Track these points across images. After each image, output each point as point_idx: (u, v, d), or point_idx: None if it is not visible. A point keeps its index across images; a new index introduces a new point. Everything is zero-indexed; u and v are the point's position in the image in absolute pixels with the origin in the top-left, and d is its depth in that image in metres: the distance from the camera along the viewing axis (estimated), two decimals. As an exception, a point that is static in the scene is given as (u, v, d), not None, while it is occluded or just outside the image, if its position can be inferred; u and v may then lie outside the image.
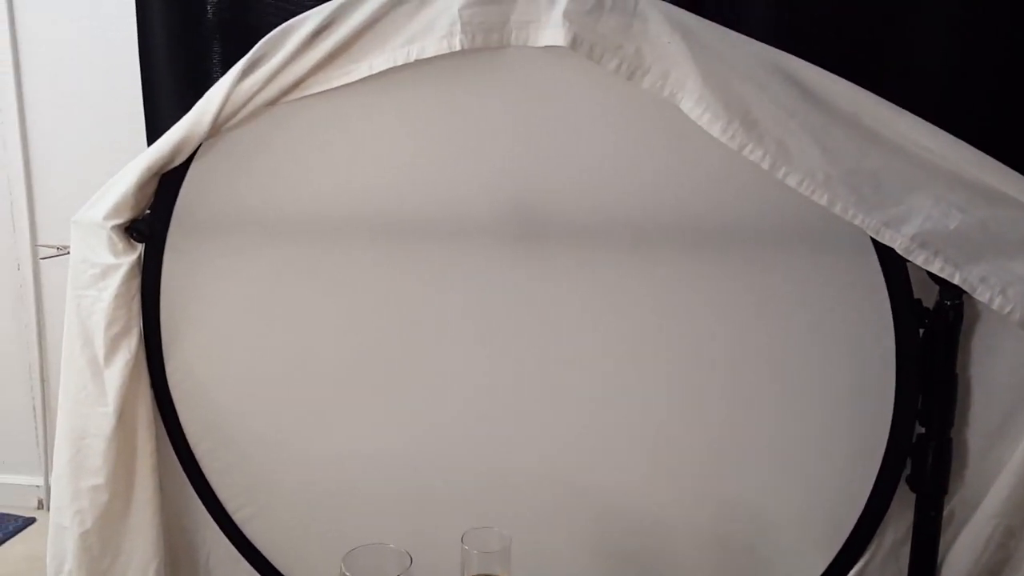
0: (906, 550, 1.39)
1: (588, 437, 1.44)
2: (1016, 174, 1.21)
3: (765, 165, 1.21)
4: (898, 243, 1.20)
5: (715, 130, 1.22)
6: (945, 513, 1.38)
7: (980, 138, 1.25)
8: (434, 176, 1.35)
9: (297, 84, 1.29)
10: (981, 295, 1.20)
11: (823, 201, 1.21)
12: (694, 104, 1.22)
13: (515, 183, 1.36)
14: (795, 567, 1.40)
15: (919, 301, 1.30)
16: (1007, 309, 1.19)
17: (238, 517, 1.60)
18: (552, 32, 1.23)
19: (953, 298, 1.27)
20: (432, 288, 1.43)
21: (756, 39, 1.30)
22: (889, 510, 1.36)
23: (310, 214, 1.39)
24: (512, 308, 1.42)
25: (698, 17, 1.29)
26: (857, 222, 1.21)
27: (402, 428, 1.50)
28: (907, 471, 1.35)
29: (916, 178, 1.21)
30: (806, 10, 1.58)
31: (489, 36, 1.25)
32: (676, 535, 1.44)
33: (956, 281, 1.20)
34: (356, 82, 1.29)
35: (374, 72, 1.28)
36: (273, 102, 1.31)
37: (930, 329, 1.31)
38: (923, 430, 1.33)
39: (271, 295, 1.44)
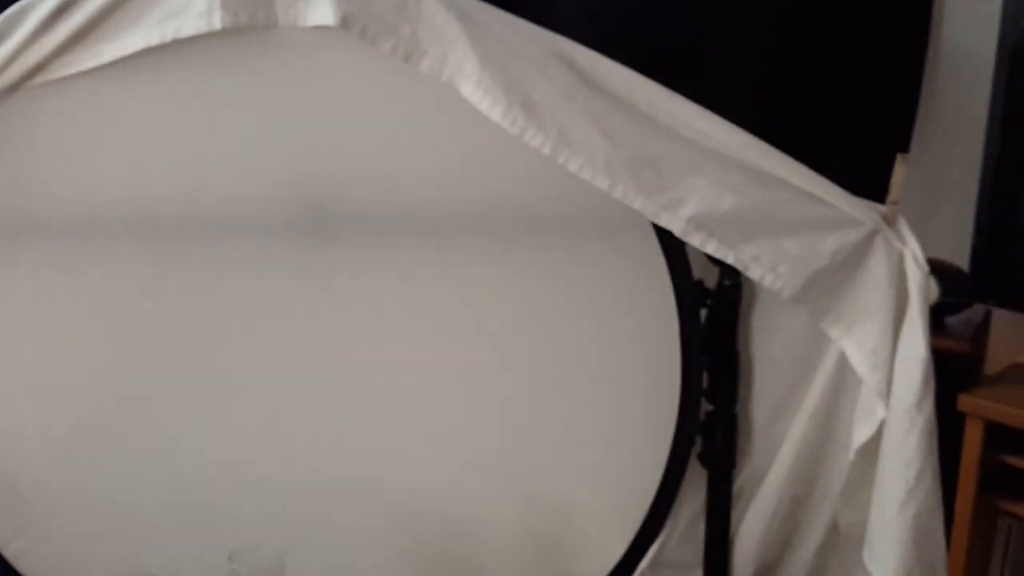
0: (701, 526, 1.43)
1: (388, 437, 1.39)
2: (788, 158, 1.25)
3: (546, 150, 1.20)
4: (676, 226, 1.22)
5: (495, 115, 1.20)
6: (735, 488, 1.42)
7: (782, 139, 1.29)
8: (205, 169, 1.27)
9: (40, 67, 1.17)
10: (753, 273, 1.23)
11: (604, 185, 1.21)
12: (473, 88, 1.20)
13: (296, 174, 1.29)
14: (596, 551, 1.41)
15: (700, 282, 1.33)
16: (778, 286, 1.23)
17: (9, 552, 1.46)
18: (321, 11, 1.17)
19: (732, 279, 1.31)
20: (214, 290, 1.34)
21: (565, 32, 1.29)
22: (682, 488, 1.39)
23: (67, 214, 1.27)
24: (303, 306, 1.36)
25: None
26: (637, 206, 1.21)
27: (191, 440, 1.40)
28: (697, 449, 1.40)
29: (692, 162, 1.23)
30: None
31: (254, 14, 1.18)
32: (484, 531, 1.42)
33: (730, 260, 1.23)
34: (111, 64, 1.19)
35: (128, 53, 1.17)
36: (13, 88, 1.20)
37: (712, 309, 1.35)
38: (711, 408, 1.38)
39: (27, 305, 1.31)
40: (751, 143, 1.23)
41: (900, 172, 1.22)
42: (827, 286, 1.23)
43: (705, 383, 1.35)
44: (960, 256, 2.11)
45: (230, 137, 1.27)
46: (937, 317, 2.10)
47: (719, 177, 1.22)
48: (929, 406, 1.21)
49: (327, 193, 1.29)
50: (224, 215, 1.29)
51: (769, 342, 1.37)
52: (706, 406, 1.36)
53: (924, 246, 2.10)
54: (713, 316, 1.33)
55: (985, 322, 2.22)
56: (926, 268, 1.22)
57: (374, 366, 1.35)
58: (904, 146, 1.92)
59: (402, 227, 1.31)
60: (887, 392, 1.24)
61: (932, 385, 1.21)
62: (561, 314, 1.32)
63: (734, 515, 1.41)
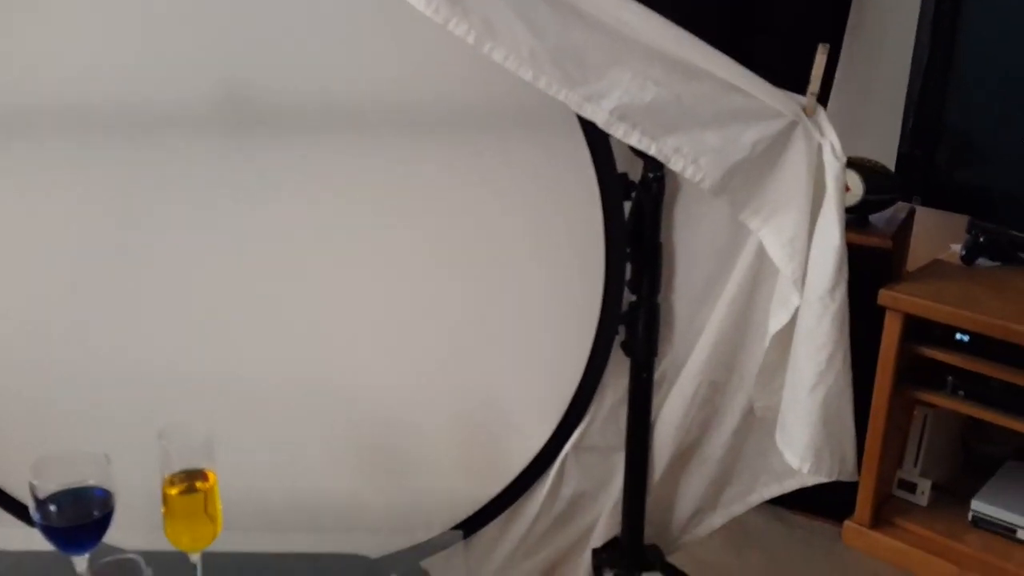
0: (624, 411, 1.49)
1: (320, 331, 1.41)
2: (711, 50, 1.26)
3: (470, 40, 1.19)
4: (599, 117, 1.23)
5: (419, 4, 1.19)
6: (657, 375, 1.48)
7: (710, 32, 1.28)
8: (134, 59, 1.24)
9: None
10: (675, 165, 1.25)
11: (528, 76, 1.20)
12: (396, -24, 1.18)
13: (223, 66, 1.27)
14: (523, 436, 1.46)
15: (625, 175, 1.36)
16: (699, 177, 1.25)
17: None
18: None
19: (656, 171, 1.33)
20: (147, 183, 1.33)
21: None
22: (606, 376, 1.44)
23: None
24: (232, 203, 1.35)
25: None
26: (561, 97, 1.21)
27: (121, 333, 1.41)
28: (621, 338, 1.45)
29: (616, 53, 1.23)
30: None
31: None
32: (416, 423, 1.46)
33: (652, 152, 1.24)
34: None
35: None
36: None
37: (636, 202, 1.37)
38: (634, 298, 1.42)
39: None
40: (675, 34, 1.23)
41: (820, 62, 1.24)
42: (747, 177, 1.26)
43: (628, 274, 1.39)
44: (887, 156, 2.16)
45: (159, 28, 1.24)
46: (862, 215, 2.16)
47: (642, 69, 1.22)
48: (841, 293, 1.26)
49: (256, 87, 1.27)
50: (152, 108, 1.26)
51: (691, 234, 1.40)
52: (629, 297, 1.41)
53: (852, 146, 2.15)
54: (637, 209, 1.36)
55: (909, 220, 2.29)
56: (843, 159, 1.25)
57: (306, 263, 1.36)
58: (835, 45, 1.94)
59: (333, 124, 1.30)
60: (802, 280, 1.29)
61: (845, 273, 1.26)
62: (489, 209, 1.33)
63: (655, 401, 1.47)
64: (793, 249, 1.28)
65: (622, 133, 1.23)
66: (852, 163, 2.19)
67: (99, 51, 1.24)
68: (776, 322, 1.34)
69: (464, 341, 1.40)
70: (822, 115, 1.27)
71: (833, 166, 1.25)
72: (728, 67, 1.24)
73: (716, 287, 1.41)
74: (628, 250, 1.36)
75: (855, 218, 2.17)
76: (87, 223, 1.36)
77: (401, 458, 1.46)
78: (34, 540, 1.06)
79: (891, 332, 2.11)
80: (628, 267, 1.37)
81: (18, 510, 1.44)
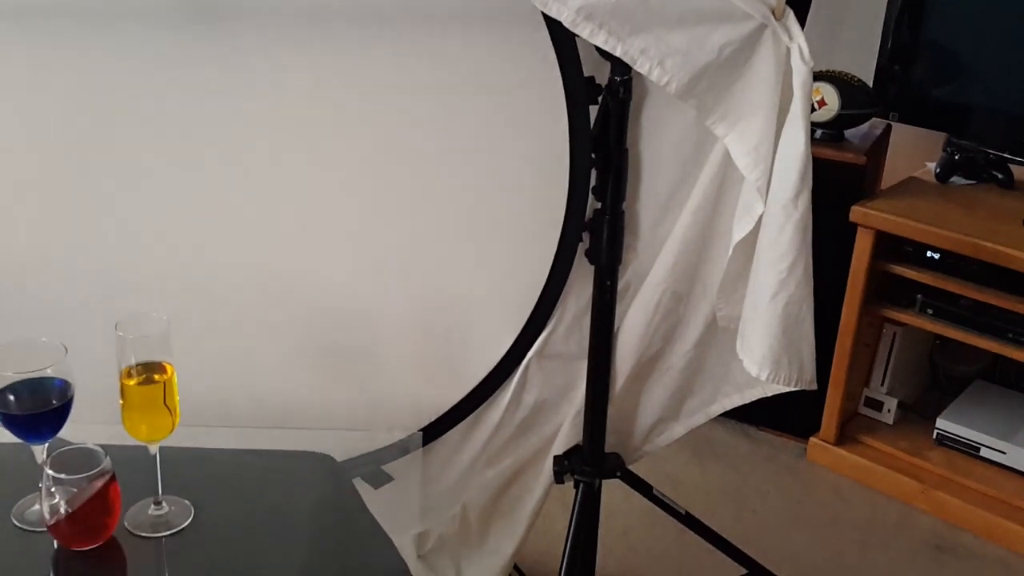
0: (587, 319, 1.49)
1: (283, 230, 1.41)
2: None
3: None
4: (564, 15, 1.20)
5: None
6: (621, 284, 1.48)
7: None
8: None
9: None
10: (641, 67, 1.23)
11: None
12: None
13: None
14: (486, 342, 1.47)
15: (592, 79, 1.34)
16: (664, 80, 1.23)
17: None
18: None
19: (623, 74, 1.31)
20: (108, 79, 1.30)
21: None
22: (569, 284, 1.45)
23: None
24: (193, 99, 1.33)
25: None
26: None
27: (93, 232, 1.40)
28: (585, 246, 1.45)
29: (582, -50, 1.21)
30: None
31: None
32: (378, 325, 1.47)
33: (618, 53, 1.22)
34: None
35: None
36: None
37: (603, 107, 1.36)
38: (599, 205, 1.42)
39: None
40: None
41: (788, -36, 1.22)
42: (714, 81, 1.24)
43: (593, 181, 1.38)
44: (865, 71, 2.14)
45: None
46: (837, 129, 2.15)
47: (610, -30, 1.20)
48: (804, 201, 1.26)
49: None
50: (112, 3, 1.24)
51: (657, 141, 1.39)
52: (594, 204, 1.40)
53: (830, 59, 2.13)
54: (603, 114, 1.34)
55: (884, 137, 2.28)
56: (811, 63, 1.23)
57: (267, 159, 1.35)
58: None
59: (296, 15, 1.27)
60: (766, 188, 1.28)
61: (809, 181, 1.25)
62: (453, 110, 1.32)
63: (618, 310, 1.48)
64: (758, 155, 1.27)
65: (588, 33, 1.20)
66: (829, 76, 2.17)
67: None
68: (740, 230, 1.34)
69: (425, 241, 1.40)
70: (791, 18, 1.24)
71: (801, 71, 1.23)
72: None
73: (681, 195, 1.41)
74: (593, 156, 1.35)
75: (830, 133, 2.16)
76: (55, 119, 1.34)
77: (362, 358, 1.47)
78: (-6, 431, 1.07)
79: (862, 249, 2.12)
80: (593, 174, 1.37)
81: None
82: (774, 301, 1.31)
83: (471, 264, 1.41)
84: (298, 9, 1.27)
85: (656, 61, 1.22)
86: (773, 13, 1.23)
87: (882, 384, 2.35)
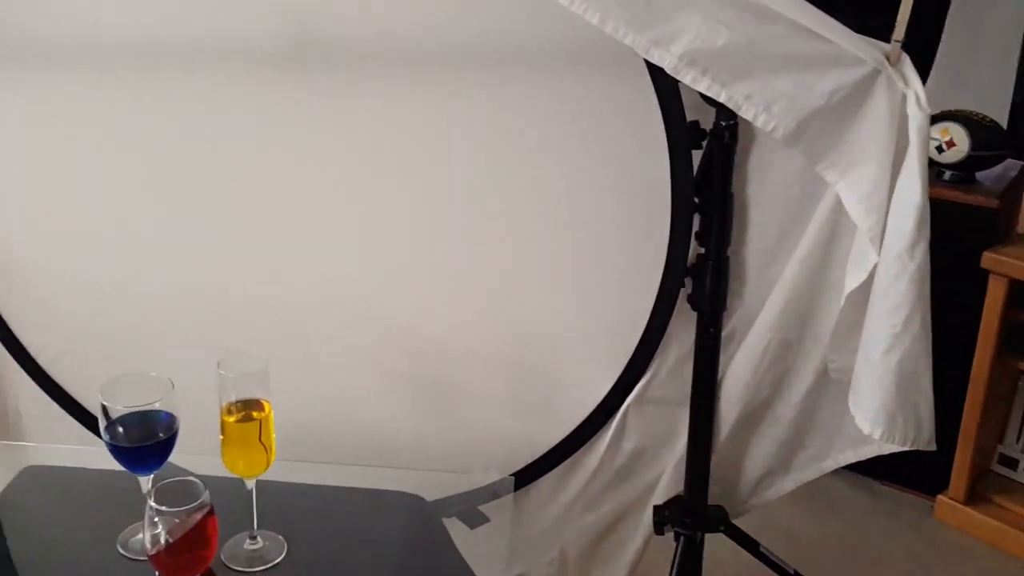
0: (689, 366, 1.45)
1: (383, 265, 1.43)
2: None
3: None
4: (667, 62, 1.18)
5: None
6: (726, 331, 1.44)
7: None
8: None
9: None
10: (747, 112, 1.20)
11: (595, 20, 1.17)
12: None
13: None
14: (583, 386, 1.46)
15: (696, 123, 1.31)
16: (771, 126, 1.20)
17: (43, 360, 1.57)
18: None
19: (728, 119, 1.28)
20: (208, 117, 1.37)
21: None
22: (671, 329, 1.41)
23: (71, 40, 1.30)
24: (293, 135, 1.38)
25: None
26: (628, 41, 1.18)
27: (189, 259, 1.48)
28: (688, 291, 1.41)
29: (688, -5, 1.20)
30: None
31: None
32: (466, 357, 1.48)
33: (722, 99, 1.19)
34: None
35: None
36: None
37: (708, 150, 1.33)
38: (702, 251, 1.38)
39: (40, 128, 1.37)
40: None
41: (906, 6, 1.16)
42: (823, 127, 1.20)
43: (698, 225, 1.35)
44: (998, 110, 2.02)
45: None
46: (967, 171, 2.04)
47: (713, 11, 1.17)
48: (921, 252, 1.19)
49: (314, 20, 1.29)
50: (213, 42, 1.30)
51: (764, 185, 1.35)
52: (697, 249, 1.37)
53: (959, 98, 2.03)
54: (708, 158, 1.32)
55: (1020, 179, 2.14)
56: (927, 110, 1.18)
57: (368, 195, 1.38)
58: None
59: (384, 60, 1.30)
60: (880, 237, 1.23)
61: (926, 232, 1.19)
62: (553, 150, 1.32)
63: (723, 357, 1.43)
64: (871, 204, 1.22)
65: (691, 79, 1.19)
66: (958, 116, 2.07)
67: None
68: (852, 280, 1.28)
69: (526, 281, 1.40)
70: (907, 63, 1.19)
71: (916, 117, 1.17)
72: (804, 8, 1.18)
73: (789, 241, 1.36)
74: (696, 201, 1.32)
75: (959, 175, 2.05)
76: (146, 156, 1.42)
77: (458, 396, 1.48)
78: (103, 459, 1.12)
79: (994, 297, 2.00)
80: (697, 218, 1.34)
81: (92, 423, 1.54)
82: (887, 356, 1.24)
83: (570, 305, 1.40)
84: (388, 46, 1.30)
85: (762, 107, 1.19)
86: (887, 58, 1.19)
87: (1017, 441, 2.20)
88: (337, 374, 1.47)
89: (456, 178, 1.36)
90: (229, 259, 1.45)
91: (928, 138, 1.19)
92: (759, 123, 1.19)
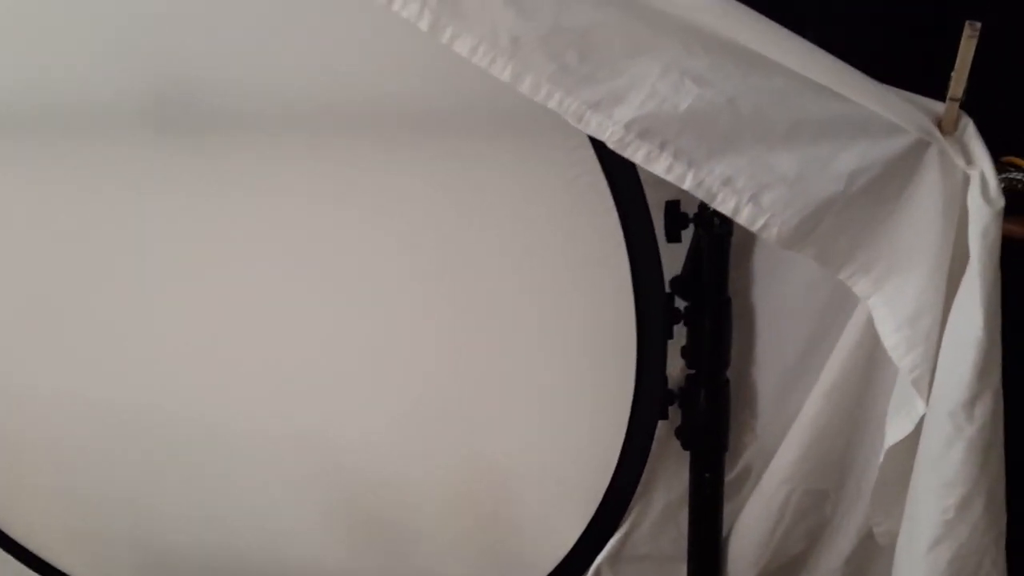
0: (685, 513, 1.11)
1: (310, 385, 1.14)
2: (784, 31, 0.83)
3: (424, 24, 0.85)
4: (609, 133, 0.82)
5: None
6: (736, 472, 1.08)
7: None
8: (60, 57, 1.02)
9: None
10: (724, 204, 0.82)
11: (506, 75, 0.83)
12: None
13: (153, 63, 1.02)
14: (548, 531, 1.13)
15: (676, 204, 0.96)
16: (759, 222, 0.82)
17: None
18: None
19: (718, 201, 0.93)
20: (67, 196, 1.11)
21: None
22: (655, 470, 1.06)
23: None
24: (178, 221, 1.09)
25: None
26: (553, 104, 0.83)
27: (84, 374, 1.22)
28: (676, 423, 1.06)
29: (640, 38, 0.84)
30: None
31: None
32: (419, 493, 1.17)
33: (687, 185, 0.83)
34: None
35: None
36: None
37: (695, 241, 0.98)
38: (692, 371, 1.03)
39: None
40: (731, 7, 0.83)
41: (967, 50, 0.78)
42: (842, 222, 0.82)
43: (688, 339, 1.00)
44: None
45: (88, 25, 1.00)
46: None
47: (678, 59, 0.82)
48: (985, 411, 0.81)
49: (194, 86, 1.01)
50: (80, 109, 1.05)
51: (778, 287, 0.99)
52: (687, 369, 1.02)
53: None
54: (695, 250, 0.97)
55: None
56: (999, 201, 0.79)
57: (275, 297, 1.09)
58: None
59: (294, 128, 1.00)
60: (928, 382, 0.85)
61: (994, 380, 0.81)
62: (486, 237, 0.99)
63: (733, 505, 1.08)
64: (915, 332, 0.84)
65: (643, 157, 0.83)
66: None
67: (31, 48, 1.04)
68: (894, 432, 0.90)
69: (465, 400, 1.08)
70: (970, 131, 0.81)
71: (983, 213, 0.79)
72: (813, 56, 0.82)
73: (816, 360, 0.99)
74: (685, 306, 0.98)
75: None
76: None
77: (401, 535, 1.19)
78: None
79: None
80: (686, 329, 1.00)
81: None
82: (936, 549, 0.86)
83: (524, 433, 1.07)
84: (286, 114, 0.99)
85: (747, 196, 0.82)
86: (939, 126, 0.81)
87: None
88: (260, 496, 1.21)
89: (378, 276, 1.05)
90: (136, 368, 1.18)
91: (998, 242, 0.80)
92: (742, 219, 0.82)
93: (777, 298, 0.99)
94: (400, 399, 1.09)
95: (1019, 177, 1.18)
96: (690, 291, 0.97)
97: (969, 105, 0.82)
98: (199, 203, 1.06)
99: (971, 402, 0.82)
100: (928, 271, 0.83)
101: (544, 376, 1.03)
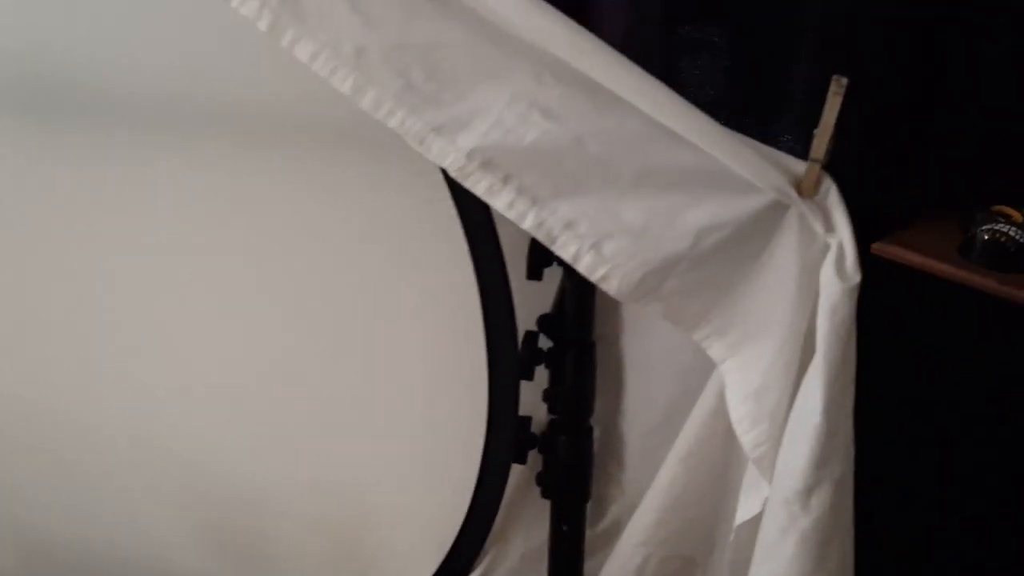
0: (545, 565, 1.05)
1: (153, 391, 1.10)
2: (638, 70, 0.76)
3: (263, 25, 0.79)
4: (451, 159, 0.76)
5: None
6: (602, 527, 1.02)
7: None
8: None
9: None
10: (563, 249, 0.76)
11: (346, 87, 0.77)
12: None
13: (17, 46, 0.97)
14: (406, 567, 1.08)
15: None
16: (599, 272, 0.75)
17: None
18: None
19: (581, 241, 0.87)
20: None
21: None
22: (517, 514, 1.01)
23: None
24: (45, 222, 1.05)
25: None
26: (395, 123, 0.76)
27: None
28: (537, 468, 1.00)
29: (490, 61, 0.78)
30: None
31: None
32: (282, 514, 1.12)
33: (527, 225, 0.76)
34: None
35: None
36: None
37: (563, 282, 0.91)
38: (554, 416, 0.97)
39: None
40: (589, 42, 0.76)
41: (832, 107, 0.70)
42: (693, 281, 0.76)
43: (550, 383, 0.94)
44: None
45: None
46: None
47: (528, 87, 0.75)
48: (822, 501, 0.74)
49: (52, 72, 0.97)
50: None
51: (647, 338, 0.92)
52: (550, 414, 0.96)
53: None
54: (562, 291, 0.90)
55: None
56: (854, 278, 0.72)
57: (146, 304, 1.05)
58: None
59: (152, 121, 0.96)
60: (772, 463, 0.78)
61: (834, 471, 0.73)
62: (343, 255, 0.94)
63: (597, 560, 1.01)
64: (759, 408, 0.77)
65: (484, 189, 0.77)
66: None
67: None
68: (744, 511, 0.83)
69: (325, 429, 1.03)
70: (833, 197, 0.73)
71: (833, 288, 0.71)
72: (668, 101, 0.75)
73: (680, 420, 0.92)
74: (551, 346, 0.91)
75: None
76: None
77: (268, 554, 1.14)
78: None
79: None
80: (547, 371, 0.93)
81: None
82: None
83: (379, 463, 1.02)
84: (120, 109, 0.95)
85: (588, 242, 0.76)
86: (799, 188, 0.73)
87: None
88: (142, 513, 1.17)
89: (233, 291, 0.99)
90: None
91: (851, 322, 0.73)
92: (582, 268, 0.76)
93: (645, 348, 0.92)
94: (260, 420, 1.04)
95: (1005, 229, 1.10)
96: (554, 331, 0.91)
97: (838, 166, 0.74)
98: (67, 205, 1.02)
99: (807, 492, 0.74)
100: (778, 344, 0.75)
101: (401, 409, 0.98)
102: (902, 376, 1.01)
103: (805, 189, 0.72)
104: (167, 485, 1.13)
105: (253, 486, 1.09)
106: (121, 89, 0.94)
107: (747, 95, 0.99)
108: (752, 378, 0.77)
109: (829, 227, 0.72)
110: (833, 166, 0.72)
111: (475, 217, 0.82)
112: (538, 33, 0.75)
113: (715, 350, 0.79)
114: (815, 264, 0.73)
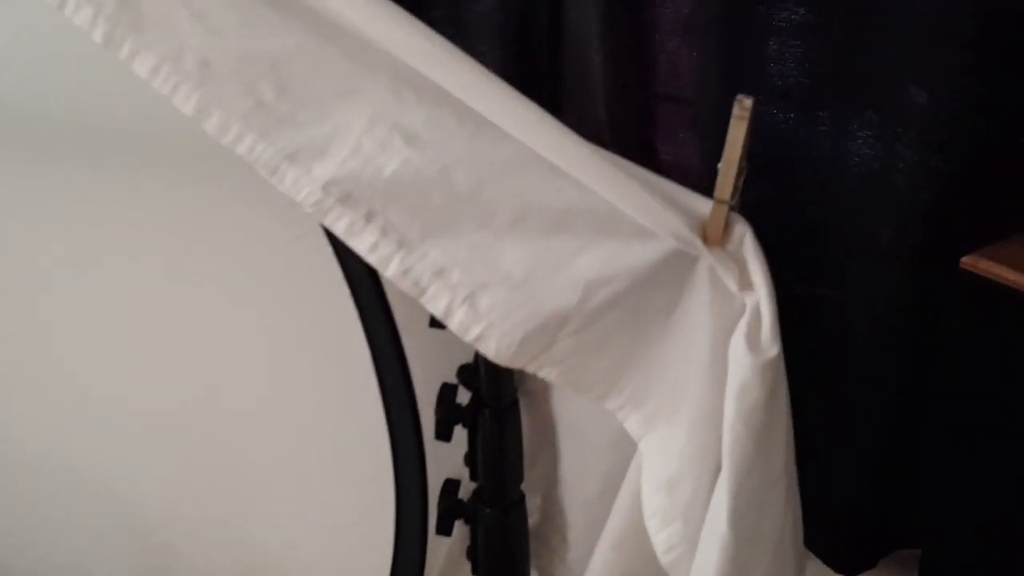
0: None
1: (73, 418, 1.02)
2: (510, 89, 0.61)
3: (98, 36, 0.68)
4: (305, 193, 0.64)
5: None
6: (546, 600, 0.89)
7: None
8: None
9: None
10: (434, 302, 0.62)
11: (189, 107, 0.65)
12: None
13: None
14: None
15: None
16: (474, 332, 0.61)
17: None
18: None
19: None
20: None
21: None
22: (444, 584, 0.89)
23: None
24: None
25: None
26: (243, 150, 0.64)
27: None
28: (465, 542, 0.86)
29: (347, 74, 0.64)
30: None
31: None
32: (197, 555, 1.04)
33: (390, 273, 0.63)
34: None
35: None
36: None
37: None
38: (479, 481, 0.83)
39: None
40: (452, 55, 0.62)
41: (737, 134, 0.53)
42: (593, 341, 0.61)
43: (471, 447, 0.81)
44: None
45: None
46: None
47: (388, 108, 0.62)
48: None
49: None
50: None
51: (572, 403, 0.77)
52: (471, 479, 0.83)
53: None
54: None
55: None
56: (773, 350, 0.55)
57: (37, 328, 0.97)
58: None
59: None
60: (687, 571, 0.63)
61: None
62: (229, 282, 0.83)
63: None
64: (672, 503, 0.62)
65: (344, 228, 0.63)
66: None
67: None
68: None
69: (233, 473, 0.92)
70: (749, 245, 0.57)
71: (743, 364, 0.56)
72: (545, 127, 0.60)
73: (613, 495, 0.78)
74: (473, 403, 0.78)
75: None
76: None
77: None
78: None
79: None
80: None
81: None
82: None
83: (294, 520, 0.91)
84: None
85: (462, 294, 0.62)
86: (704, 236, 0.57)
87: None
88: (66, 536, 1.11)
89: (138, 320, 0.90)
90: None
91: (765, 407, 0.56)
92: (454, 326, 0.62)
93: (574, 410, 0.78)
94: (181, 460, 0.95)
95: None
96: (471, 386, 0.78)
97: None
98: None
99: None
100: (690, 424, 0.61)
101: (312, 469, 0.87)
102: (991, 404, 0.84)
103: (711, 236, 0.56)
104: (87, 516, 1.06)
105: (174, 530, 1.01)
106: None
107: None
108: (668, 464, 0.62)
109: (745, 283, 0.57)
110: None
111: (355, 261, 0.70)
112: (392, 43, 0.63)
113: (631, 423, 0.64)
114: (732, 328, 0.58)
